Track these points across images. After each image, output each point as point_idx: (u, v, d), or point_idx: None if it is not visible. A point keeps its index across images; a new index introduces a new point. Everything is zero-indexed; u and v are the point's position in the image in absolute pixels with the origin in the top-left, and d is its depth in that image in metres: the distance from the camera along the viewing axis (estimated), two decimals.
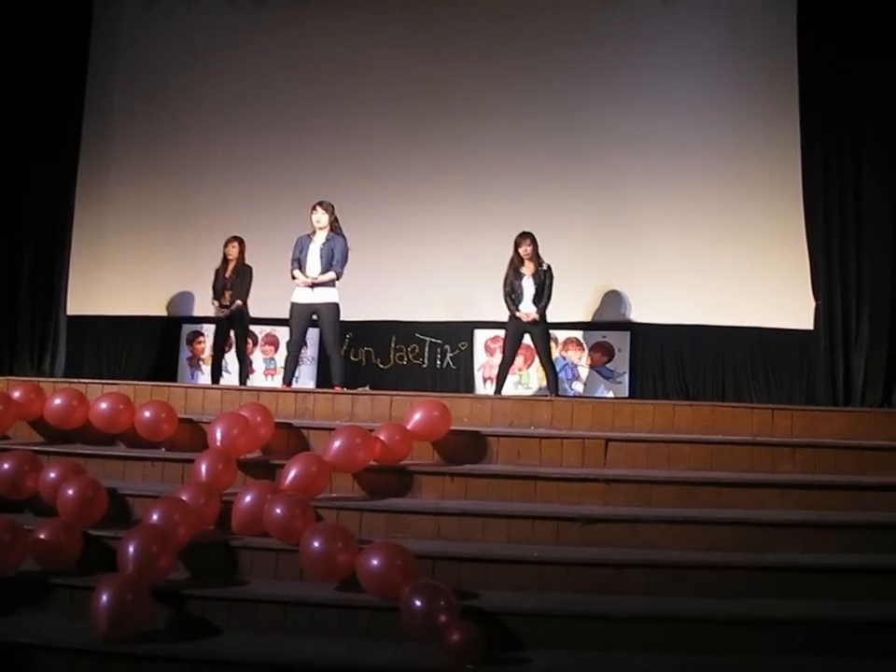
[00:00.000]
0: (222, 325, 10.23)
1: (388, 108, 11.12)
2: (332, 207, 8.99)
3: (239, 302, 10.06)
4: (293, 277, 8.96)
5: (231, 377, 10.50)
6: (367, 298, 10.41)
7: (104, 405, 7.15)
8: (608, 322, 10.69)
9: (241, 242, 10.25)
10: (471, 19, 11.03)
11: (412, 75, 11.10)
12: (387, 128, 11.09)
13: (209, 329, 10.80)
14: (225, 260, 10.25)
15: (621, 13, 10.77)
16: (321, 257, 8.90)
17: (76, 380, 8.41)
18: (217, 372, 10.27)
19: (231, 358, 10.41)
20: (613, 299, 10.66)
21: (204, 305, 10.65)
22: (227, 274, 10.18)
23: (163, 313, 11.43)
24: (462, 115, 10.96)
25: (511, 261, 9.40)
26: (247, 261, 10.25)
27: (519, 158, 10.79)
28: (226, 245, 10.25)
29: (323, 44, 11.24)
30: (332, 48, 11.21)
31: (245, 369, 10.38)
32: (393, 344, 11.07)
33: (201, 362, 11.17)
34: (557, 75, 10.85)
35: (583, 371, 10.66)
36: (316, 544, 5.43)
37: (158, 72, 11.55)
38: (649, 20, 10.72)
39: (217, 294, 10.18)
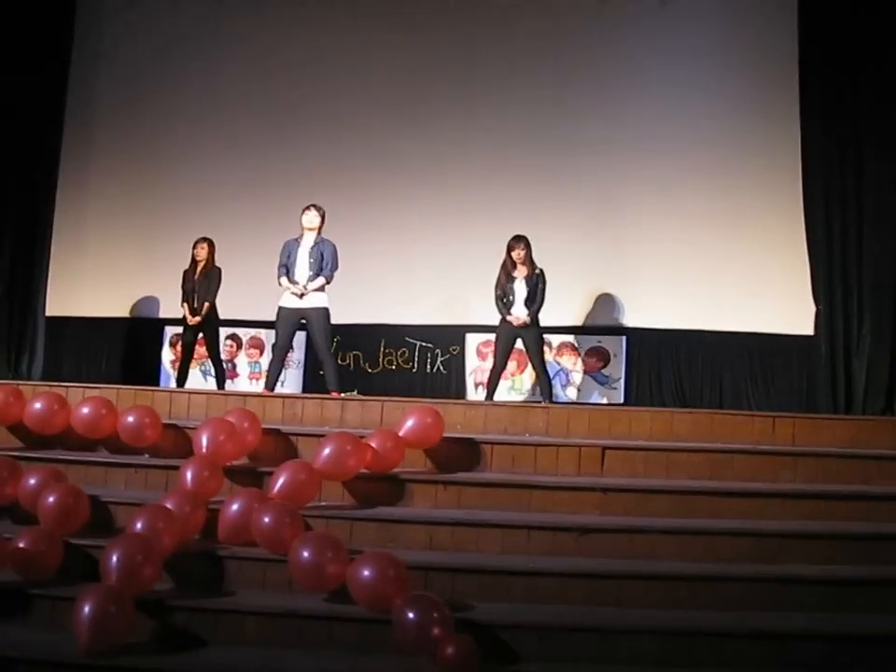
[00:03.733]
0: (190, 328, 10.16)
1: (378, 110, 11.13)
2: (323, 210, 8.98)
3: (207, 304, 10.00)
4: (280, 284, 8.94)
5: (210, 382, 10.48)
6: (355, 300, 10.38)
7: (85, 410, 7.11)
8: (603, 327, 10.69)
9: (210, 243, 10.17)
10: (466, 20, 11.04)
11: (403, 76, 11.12)
12: (378, 129, 11.10)
13: None
14: (194, 262, 10.17)
15: (617, 14, 10.79)
16: (310, 261, 8.88)
17: (56, 383, 8.38)
18: (183, 378, 10.21)
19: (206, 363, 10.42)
20: (608, 303, 10.66)
21: None
22: (195, 276, 10.13)
23: (144, 314, 11.41)
24: (455, 117, 10.99)
25: (504, 265, 9.37)
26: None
27: (513, 160, 10.80)
28: (195, 247, 10.16)
29: (310, 45, 11.26)
30: (320, 48, 11.23)
31: (222, 372, 10.30)
32: (382, 348, 11.05)
33: None
34: (553, 77, 10.88)
35: (578, 377, 10.65)
36: (306, 554, 5.40)
37: (140, 72, 11.58)
38: (646, 21, 10.75)
39: (187, 296, 10.12)
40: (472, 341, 10.87)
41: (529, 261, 9.31)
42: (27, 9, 10.57)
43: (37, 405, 7.20)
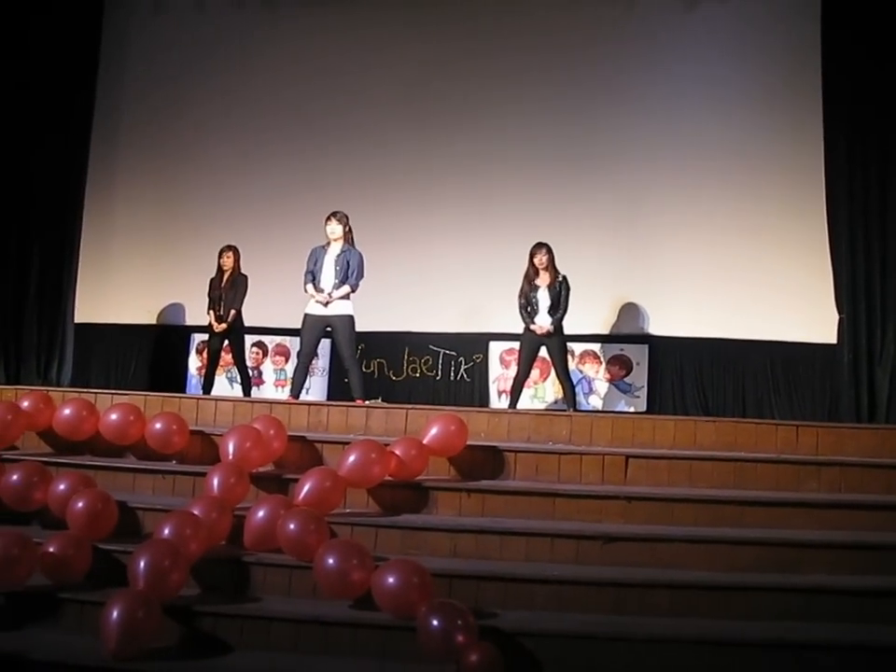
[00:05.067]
0: (216, 336, 10.19)
1: (402, 116, 11.16)
2: (347, 218, 8.96)
3: (233, 312, 10.04)
4: (305, 290, 8.95)
5: (237, 389, 10.51)
6: (380, 308, 10.36)
7: (113, 416, 7.13)
8: (625, 335, 10.66)
9: (236, 251, 10.21)
10: (488, 24, 11.04)
11: (425, 83, 11.14)
12: (401, 136, 11.14)
13: None
14: (220, 270, 10.22)
15: (641, 19, 10.78)
16: (336, 269, 8.87)
17: (85, 390, 8.41)
18: (209, 385, 10.26)
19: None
20: (631, 311, 10.63)
21: None
22: (222, 284, 10.17)
23: (172, 322, 11.45)
24: (477, 124, 10.98)
25: (527, 273, 9.35)
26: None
27: (536, 168, 10.80)
28: (221, 255, 10.21)
29: (333, 48, 11.31)
30: (342, 52, 11.27)
31: (248, 379, 10.36)
32: (406, 356, 11.05)
33: None
34: (576, 83, 10.87)
35: (601, 385, 10.62)
36: (331, 561, 5.40)
37: (166, 84, 11.65)
38: (670, 26, 10.74)
39: (213, 304, 10.16)
40: (495, 349, 10.85)
41: (552, 268, 9.28)
42: (56, 21, 10.63)
43: (66, 411, 7.23)
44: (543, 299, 9.25)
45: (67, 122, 10.79)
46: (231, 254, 10.17)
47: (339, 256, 8.89)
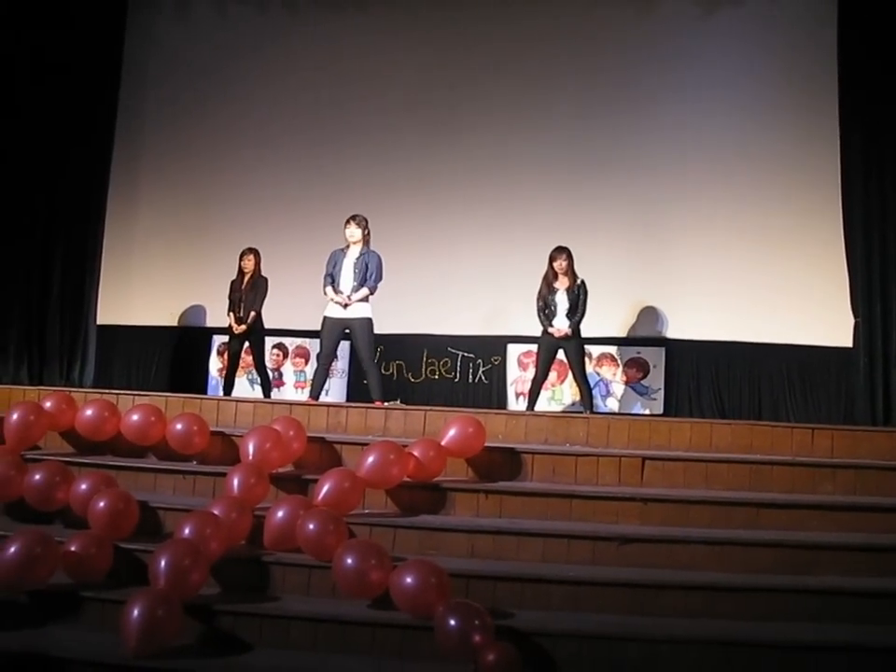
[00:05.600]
0: (236, 338, 10.23)
1: (421, 120, 11.17)
2: (366, 221, 8.97)
3: (253, 314, 10.07)
4: (324, 293, 8.96)
5: (257, 390, 10.53)
6: (399, 311, 10.38)
7: (135, 417, 7.15)
8: (642, 338, 10.64)
9: (256, 253, 10.25)
10: (507, 30, 11.03)
11: (444, 86, 11.16)
12: (420, 139, 11.15)
13: None
14: (241, 273, 10.25)
15: (659, 25, 10.76)
16: (355, 272, 8.88)
17: (107, 390, 8.45)
18: (229, 386, 10.29)
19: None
20: (648, 314, 10.61)
21: None
22: (242, 286, 10.20)
23: (193, 324, 11.48)
24: (496, 129, 10.97)
25: (546, 276, 9.34)
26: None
27: (554, 171, 10.79)
28: (241, 258, 10.25)
29: (351, 62, 11.31)
30: (362, 56, 11.28)
31: (267, 381, 10.38)
32: (425, 358, 11.05)
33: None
34: (595, 87, 10.86)
35: (618, 388, 10.60)
36: (349, 561, 5.41)
37: (188, 85, 11.70)
38: (687, 32, 10.72)
39: (233, 306, 10.19)
40: (513, 351, 10.84)
41: (571, 272, 9.27)
42: (81, 30, 10.71)
43: (88, 412, 7.26)
44: (562, 302, 9.24)
45: (91, 126, 10.84)
46: (251, 256, 10.21)
47: (358, 259, 8.90)
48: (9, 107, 10.48)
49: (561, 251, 9.28)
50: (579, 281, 9.26)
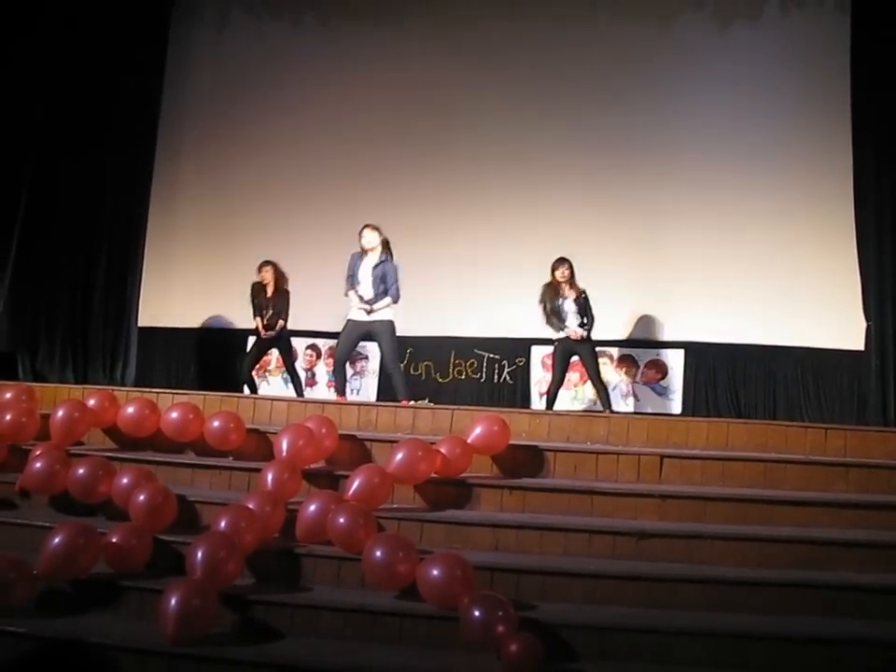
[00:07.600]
0: (262, 342, 10.28)
1: (441, 127, 11.19)
2: (379, 229, 8.94)
3: (282, 323, 10.13)
4: (346, 295, 8.94)
5: (291, 390, 10.56)
6: (428, 314, 10.47)
7: (174, 414, 7.20)
8: (661, 341, 10.62)
9: (274, 266, 10.27)
10: (522, 46, 11.05)
11: (463, 95, 11.18)
12: (444, 147, 11.17)
13: None
14: (261, 282, 10.30)
15: (674, 39, 10.75)
16: (374, 279, 8.83)
17: (147, 389, 8.51)
18: (251, 386, 10.36)
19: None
20: (667, 318, 10.58)
21: None
22: (268, 295, 10.23)
23: (229, 325, 11.51)
24: (520, 136, 10.97)
25: (550, 284, 9.44)
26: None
27: (573, 177, 10.78)
28: (259, 270, 10.29)
29: (374, 75, 11.36)
30: (384, 77, 11.34)
31: (299, 382, 10.42)
32: (452, 359, 11.06)
33: (267, 373, 11.21)
34: (604, 96, 10.87)
35: (637, 388, 10.56)
36: (378, 553, 5.40)
37: (227, 95, 11.77)
38: (701, 46, 10.71)
39: (259, 311, 10.22)
40: (537, 353, 10.83)
41: (574, 282, 9.36)
42: (126, 33, 10.83)
43: (130, 410, 7.31)
44: (571, 309, 9.35)
45: (134, 135, 10.98)
46: (269, 269, 10.26)
47: (376, 266, 8.86)
48: (59, 118, 10.59)
49: (563, 262, 9.45)
50: (583, 290, 9.37)
